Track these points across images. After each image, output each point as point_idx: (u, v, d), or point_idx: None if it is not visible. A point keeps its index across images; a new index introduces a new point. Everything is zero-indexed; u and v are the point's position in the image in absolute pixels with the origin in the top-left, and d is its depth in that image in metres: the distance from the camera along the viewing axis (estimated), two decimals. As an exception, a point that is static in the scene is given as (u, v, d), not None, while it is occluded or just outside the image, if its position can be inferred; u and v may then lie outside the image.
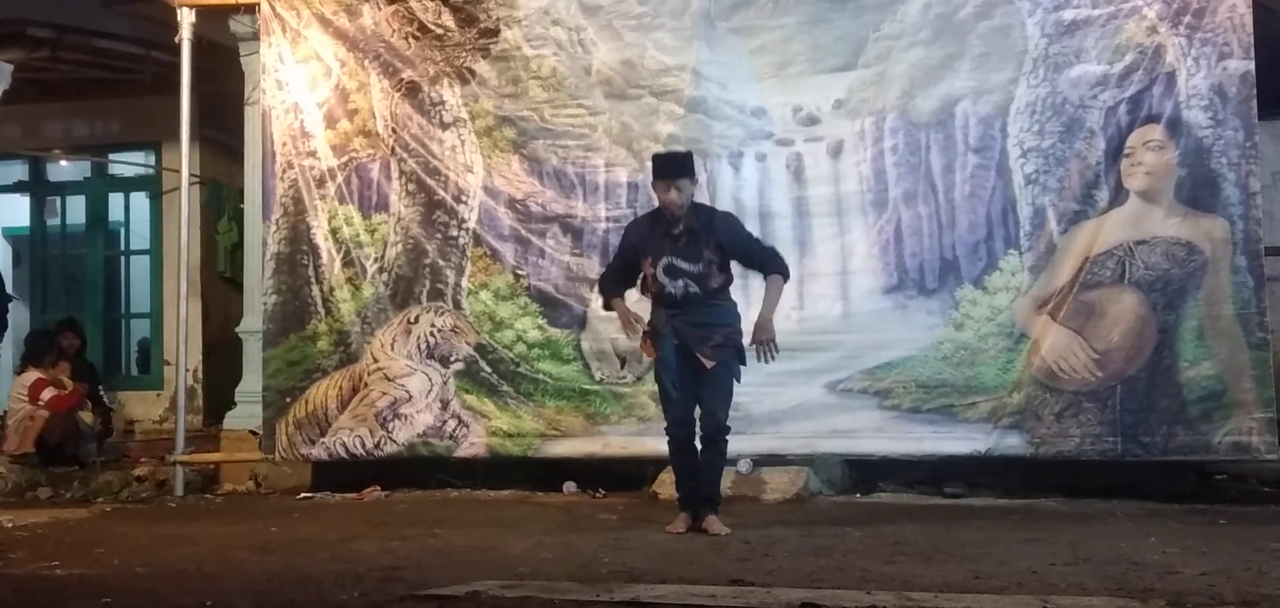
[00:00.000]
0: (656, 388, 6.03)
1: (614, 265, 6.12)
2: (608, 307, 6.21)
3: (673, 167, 5.78)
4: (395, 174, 7.84)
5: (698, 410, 5.76)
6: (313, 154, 7.92)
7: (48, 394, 9.22)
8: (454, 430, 7.64)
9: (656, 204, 5.81)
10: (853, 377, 7.15)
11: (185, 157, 8.35)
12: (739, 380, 5.82)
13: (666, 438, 5.84)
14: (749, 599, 4.00)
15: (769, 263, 5.87)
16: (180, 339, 8.39)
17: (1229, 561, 4.68)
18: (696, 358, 5.67)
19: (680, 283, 5.68)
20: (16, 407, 9.28)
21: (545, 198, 7.63)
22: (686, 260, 5.69)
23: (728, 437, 5.79)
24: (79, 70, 10.40)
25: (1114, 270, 6.85)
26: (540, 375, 7.56)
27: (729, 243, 5.78)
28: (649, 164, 7.36)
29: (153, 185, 11.19)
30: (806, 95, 7.33)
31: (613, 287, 6.03)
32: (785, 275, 5.87)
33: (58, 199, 11.73)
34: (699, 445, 5.76)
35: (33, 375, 9.31)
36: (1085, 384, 6.82)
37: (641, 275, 5.84)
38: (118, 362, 11.56)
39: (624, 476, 7.35)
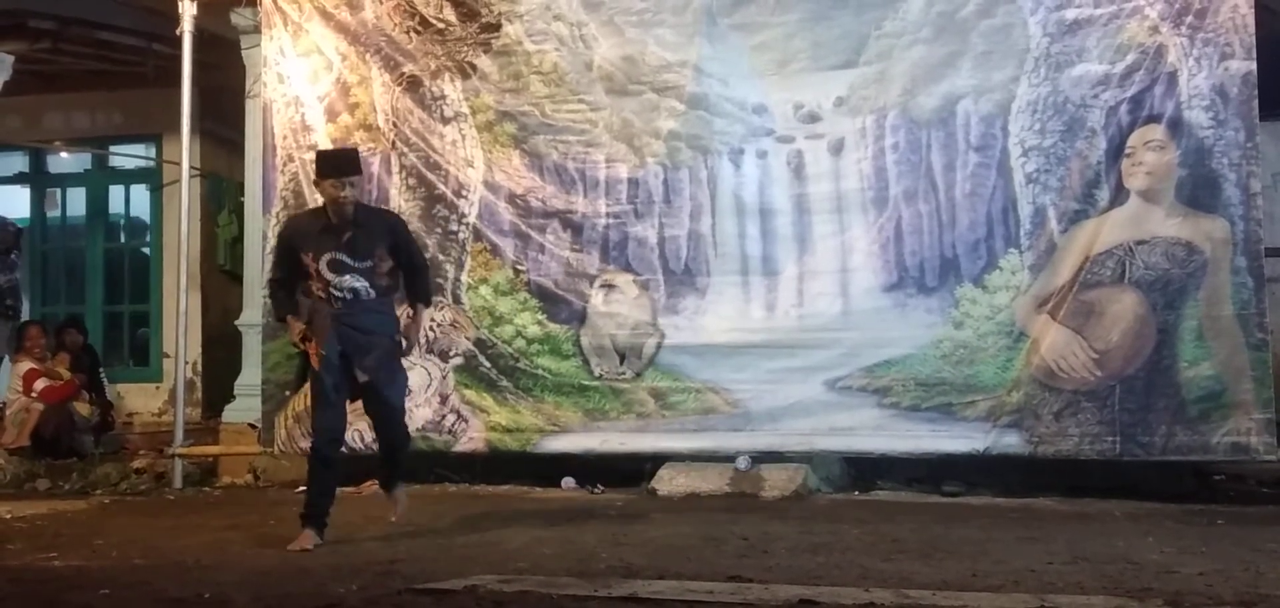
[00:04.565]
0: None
1: (277, 272, 5.82)
2: (280, 320, 5.96)
3: (346, 164, 5.66)
4: (396, 168, 7.84)
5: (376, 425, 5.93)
6: (313, 147, 7.91)
7: (41, 385, 9.20)
8: (453, 425, 7.65)
9: (322, 202, 5.62)
10: (852, 374, 7.15)
11: (186, 149, 8.35)
12: (408, 389, 6.12)
13: (311, 451, 5.68)
14: (747, 596, 4.00)
15: (421, 283, 5.87)
16: (180, 332, 8.40)
17: (1227, 561, 4.68)
18: (355, 371, 5.55)
19: (346, 279, 5.49)
20: (13, 398, 9.27)
21: (545, 193, 7.62)
22: (353, 257, 5.50)
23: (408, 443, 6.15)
24: (80, 62, 10.40)
25: (1114, 270, 6.84)
26: (539, 371, 7.56)
27: (397, 243, 5.68)
28: (649, 160, 7.45)
29: (153, 178, 11.19)
30: (808, 92, 7.32)
31: (285, 297, 5.70)
32: (427, 303, 6.08)
33: (58, 191, 11.75)
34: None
35: (26, 366, 9.28)
36: (1084, 384, 6.82)
37: (306, 276, 5.57)
38: (117, 354, 11.56)
39: (622, 471, 7.36)
